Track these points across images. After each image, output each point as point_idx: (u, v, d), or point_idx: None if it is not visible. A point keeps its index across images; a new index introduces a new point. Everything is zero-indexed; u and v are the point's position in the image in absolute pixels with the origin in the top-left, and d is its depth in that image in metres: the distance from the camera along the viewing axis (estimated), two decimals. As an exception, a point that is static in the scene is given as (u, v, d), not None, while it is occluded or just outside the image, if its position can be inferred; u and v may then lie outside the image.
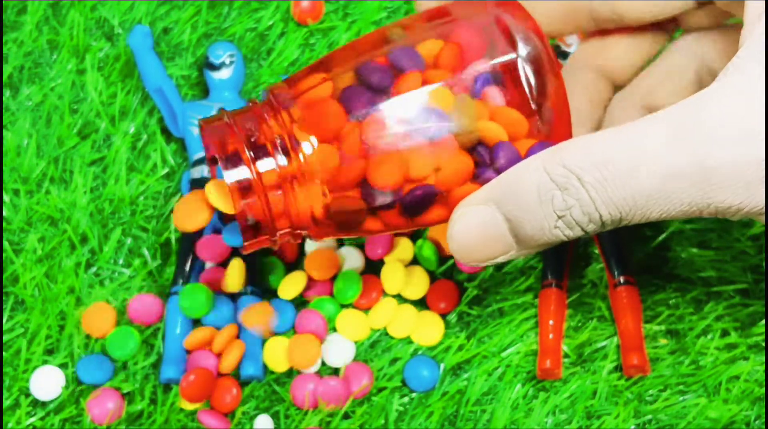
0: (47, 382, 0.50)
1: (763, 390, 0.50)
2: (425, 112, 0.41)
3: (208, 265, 0.52)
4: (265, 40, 0.57)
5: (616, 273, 0.51)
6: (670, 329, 0.52)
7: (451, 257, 0.53)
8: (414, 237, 0.53)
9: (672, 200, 0.39)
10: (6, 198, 0.54)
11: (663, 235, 0.52)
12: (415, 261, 0.53)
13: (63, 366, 0.51)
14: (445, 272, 0.53)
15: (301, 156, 0.42)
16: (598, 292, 0.52)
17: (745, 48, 0.40)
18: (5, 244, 0.53)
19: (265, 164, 0.42)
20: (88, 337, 0.52)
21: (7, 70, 0.56)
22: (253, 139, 0.42)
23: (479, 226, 0.41)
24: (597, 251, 0.53)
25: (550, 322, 0.50)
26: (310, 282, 0.52)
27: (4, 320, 0.52)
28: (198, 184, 0.53)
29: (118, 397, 0.50)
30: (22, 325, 0.52)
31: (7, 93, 0.56)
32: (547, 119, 0.42)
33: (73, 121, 0.56)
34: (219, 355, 0.51)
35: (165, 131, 0.56)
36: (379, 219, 0.43)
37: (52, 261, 0.53)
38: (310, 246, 0.53)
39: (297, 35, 0.57)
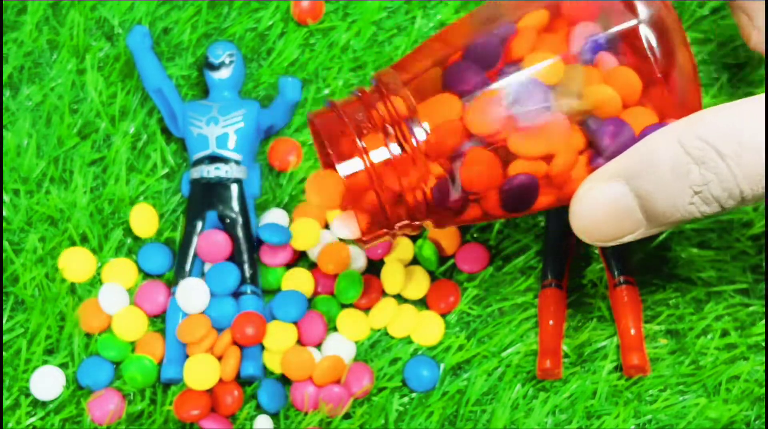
0: (47, 382, 0.50)
1: (763, 390, 0.50)
2: (533, 90, 0.40)
3: (207, 265, 0.52)
4: (265, 40, 0.57)
5: (615, 273, 0.51)
6: (670, 329, 0.52)
7: (451, 257, 0.53)
8: (414, 237, 0.53)
9: None
10: (6, 198, 0.54)
11: (663, 235, 0.52)
12: (415, 261, 0.53)
13: (63, 366, 0.51)
14: (445, 272, 0.53)
15: (414, 142, 0.41)
16: (597, 292, 0.52)
17: None
18: (5, 244, 0.53)
19: (378, 154, 0.41)
20: (88, 336, 0.52)
21: (7, 70, 0.56)
22: (364, 130, 0.41)
23: (608, 203, 0.40)
24: (597, 251, 0.53)
25: (550, 322, 0.50)
26: (321, 278, 0.52)
27: (4, 320, 0.52)
28: (197, 184, 0.53)
29: (119, 398, 0.50)
30: (22, 325, 0.52)
31: (7, 93, 0.56)
32: (675, 89, 0.40)
33: (73, 121, 0.56)
34: (219, 357, 0.51)
35: (165, 131, 0.56)
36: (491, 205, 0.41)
37: (53, 261, 0.53)
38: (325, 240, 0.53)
39: (297, 35, 0.57)
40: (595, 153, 0.41)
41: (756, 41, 0.47)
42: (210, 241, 0.52)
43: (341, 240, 0.47)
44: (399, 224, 0.43)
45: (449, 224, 0.43)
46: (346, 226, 0.43)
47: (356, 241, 0.44)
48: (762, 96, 0.38)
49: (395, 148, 0.41)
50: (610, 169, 0.40)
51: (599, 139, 0.40)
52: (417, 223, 0.43)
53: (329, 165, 0.43)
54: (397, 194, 0.41)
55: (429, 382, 0.50)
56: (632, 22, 0.40)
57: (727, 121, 0.37)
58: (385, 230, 0.43)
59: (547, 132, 0.40)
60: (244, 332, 0.50)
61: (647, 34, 0.40)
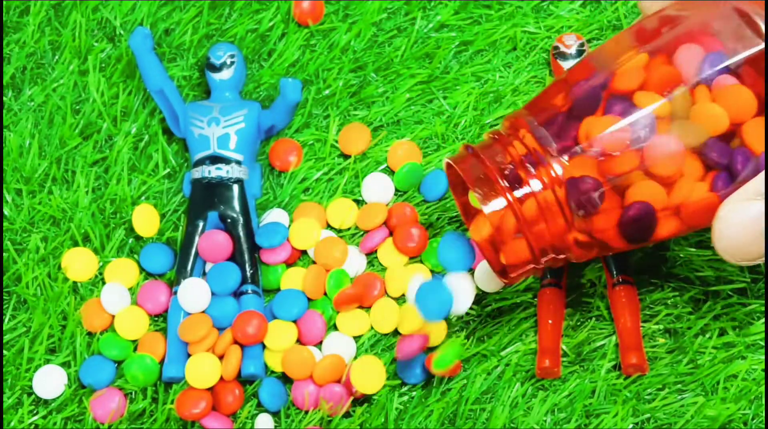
0: (50, 381, 0.51)
1: (760, 388, 0.50)
2: (649, 125, 0.41)
3: (209, 265, 0.53)
4: (265, 41, 0.57)
5: (614, 272, 0.51)
6: (668, 328, 0.52)
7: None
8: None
9: None
10: (8, 198, 0.54)
11: (661, 235, 0.52)
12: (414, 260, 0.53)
13: (65, 365, 0.51)
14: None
15: (552, 173, 0.42)
16: (596, 291, 0.52)
17: None
18: (8, 244, 0.53)
19: (520, 191, 0.42)
20: (90, 335, 0.52)
21: (9, 71, 0.57)
22: (506, 171, 0.43)
23: (751, 222, 0.40)
24: (596, 251, 0.53)
25: (549, 321, 0.50)
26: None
27: (7, 319, 0.52)
28: (198, 184, 0.53)
29: (121, 397, 0.50)
30: (24, 325, 0.52)
31: (9, 94, 0.56)
32: None
33: (75, 122, 0.56)
34: (221, 356, 0.51)
35: (167, 131, 0.56)
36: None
37: (55, 261, 0.53)
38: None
39: (297, 36, 0.57)
40: (716, 178, 0.42)
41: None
42: (211, 240, 0.52)
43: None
44: (545, 259, 0.44)
45: (589, 257, 0.45)
46: (489, 278, 0.47)
47: (502, 279, 0.46)
48: None
49: (537, 184, 0.42)
50: (751, 188, 0.40)
51: (731, 165, 0.41)
52: (562, 256, 0.45)
53: (467, 212, 0.46)
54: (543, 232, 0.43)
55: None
56: (759, 47, 0.41)
57: None
58: (532, 266, 0.45)
59: (668, 159, 0.41)
60: (245, 331, 0.50)
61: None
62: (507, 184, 0.43)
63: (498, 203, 0.43)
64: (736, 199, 0.41)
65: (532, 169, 0.43)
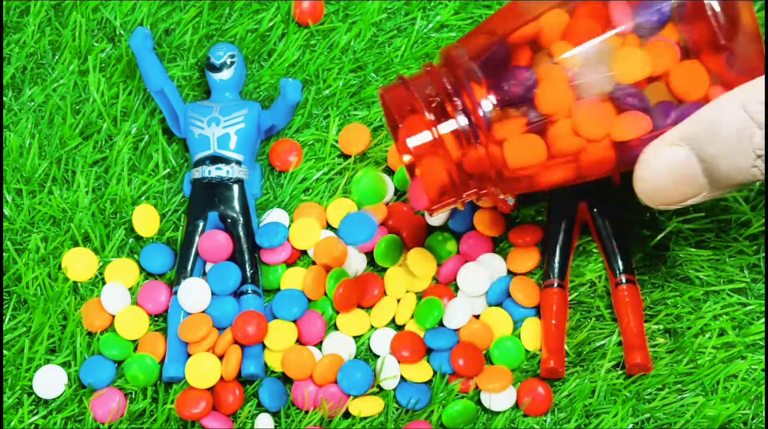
0: (50, 381, 0.51)
1: (760, 388, 0.50)
2: (591, 66, 0.41)
3: (209, 265, 0.53)
4: (265, 41, 0.57)
5: (617, 272, 0.51)
6: (668, 328, 0.52)
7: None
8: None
9: None
10: (8, 198, 0.54)
11: (661, 235, 0.52)
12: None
13: (65, 365, 0.51)
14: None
15: (481, 113, 0.42)
16: (596, 291, 0.52)
17: None
18: (8, 244, 0.53)
19: (446, 126, 0.42)
20: (90, 335, 0.52)
21: (9, 71, 0.57)
22: (433, 103, 0.42)
23: (671, 167, 0.40)
24: (596, 250, 0.53)
25: (553, 321, 0.51)
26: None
27: (7, 319, 0.52)
28: (198, 184, 0.53)
29: (121, 396, 0.50)
30: (24, 325, 0.52)
31: (9, 94, 0.57)
32: (739, 54, 0.41)
33: (76, 122, 0.56)
34: (221, 356, 0.51)
35: (167, 131, 0.56)
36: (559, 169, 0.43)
37: (55, 261, 0.53)
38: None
39: (297, 36, 0.57)
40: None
41: None
42: (211, 240, 0.52)
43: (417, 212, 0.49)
44: (467, 193, 0.44)
45: (517, 191, 0.45)
46: (419, 195, 0.45)
47: (426, 210, 0.45)
48: None
49: (462, 120, 0.42)
50: (675, 133, 0.41)
51: (652, 111, 0.42)
52: (484, 191, 0.44)
53: (398, 138, 0.45)
54: (463, 164, 0.43)
55: (363, 385, 0.50)
56: None
57: None
58: (453, 199, 0.44)
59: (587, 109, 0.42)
60: (245, 331, 0.50)
61: (711, 2, 0.41)
62: (432, 117, 0.43)
63: (423, 136, 0.43)
64: (660, 143, 0.41)
65: (459, 103, 0.42)
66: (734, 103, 0.39)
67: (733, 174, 0.40)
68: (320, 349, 0.52)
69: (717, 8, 0.41)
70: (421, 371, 0.51)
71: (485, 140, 0.43)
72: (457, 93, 0.43)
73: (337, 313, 0.52)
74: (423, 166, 0.43)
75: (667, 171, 0.41)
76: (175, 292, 0.52)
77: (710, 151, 0.40)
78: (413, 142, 0.43)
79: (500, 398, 0.50)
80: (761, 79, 0.39)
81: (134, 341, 0.52)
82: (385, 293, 0.52)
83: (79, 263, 0.53)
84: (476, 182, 0.44)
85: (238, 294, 0.52)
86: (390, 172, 0.55)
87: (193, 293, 0.51)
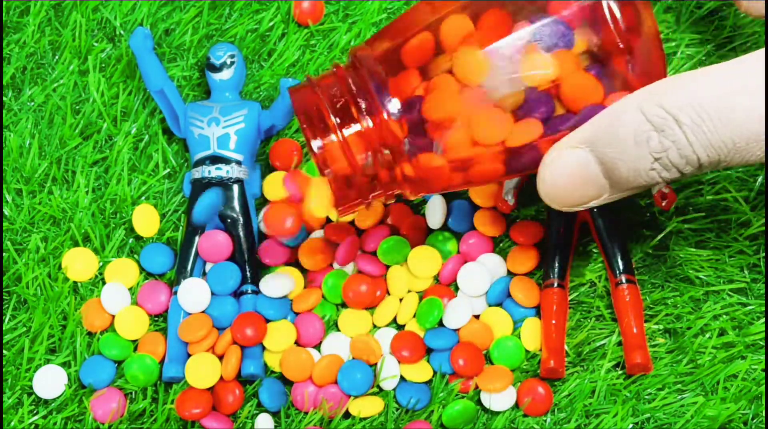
0: (50, 381, 0.51)
1: (760, 388, 0.50)
2: (494, 70, 0.41)
3: (209, 265, 0.53)
4: (266, 42, 0.57)
5: (617, 272, 0.51)
6: (668, 328, 0.52)
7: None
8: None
9: None
10: (8, 198, 0.54)
11: (661, 235, 0.52)
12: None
13: (65, 365, 0.51)
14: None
15: (385, 115, 0.42)
16: (596, 291, 0.52)
17: None
18: (8, 244, 0.53)
19: (351, 129, 0.42)
20: (90, 335, 0.52)
21: (9, 71, 0.57)
22: (338, 104, 0.43)
23: (572, 169, 0.41)
24: (596, 250, 0.53)
25: (553, 321, 0.51)
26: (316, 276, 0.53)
27: (7, 319, 0.52)
28: (198, 184, 0.53)
29: (121, 396, 0.50)
30: (24, 325, 0.52)
31: (9, 94, 0.57)
32: (639, 58, 0.41)
33: (75, 122, 0.56)
34: (221, 356, 0.51)
35: (167, 132, 0.56)
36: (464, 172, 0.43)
37: (55, 261, 0.53)
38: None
39: (297, 36, 0.57)
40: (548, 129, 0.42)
41: (746, 5, 0.49)
42: (211, 240, 0.52)
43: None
44: (373, 194, 0.44)
45: (424, 192, 0.45)
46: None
47: (334, 210, 0.46)
48: (725, 64, 0.39)
49: (367, 121, 0.43)
50: (575, 136, 0.41)
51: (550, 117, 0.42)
52: (391, 192, 0.44)
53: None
54: (369, 165, 0.43)
55: (363, 385, 0.50)
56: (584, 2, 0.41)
57: (687, 91, 0.39)
58: (359, 200, 0.44)
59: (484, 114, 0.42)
60: (245, 333, 0.50)
61: (610, 6, 0.41)
62: (337, 120, 0.43)
63: (326, 138, 0.43)
64: (561, 146, 0.41)
65: (363, 105, 0.43)
66: (632, 106, 0.39)
67: (632, 176, 0.40)
68: (319, 351, 0.52)
69: (616, 12, 0.41)
70: (421, 371, 0.51)
71: (390, 142, 0.43)
72: (362, 94, 0.43)
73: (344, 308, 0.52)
74: (329, 168, 0.43)
75: (567, 173, 0.41)
76: (175, 292, 0.52)
77: (609, 153, 0.40)
78: (317, 144, 0.43)
79: (500, 398, 0.50)
80: (661, 83, 0.40)
81: (134, 341, 0.52)
82: (388, 293, 0.53)
83: (79, 263, 0.53)
84: (382, 183, 0.44)
85: (238, 294, 0.52)
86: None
87: (193, 293, 0.51)
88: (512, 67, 0.41)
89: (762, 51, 0.39)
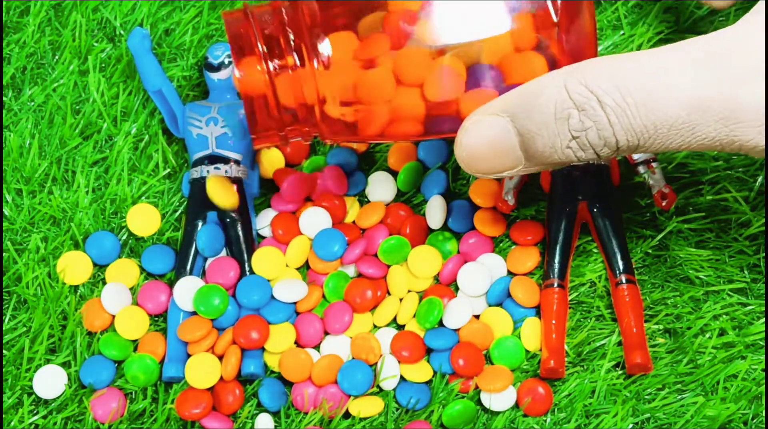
0: (50, 381, 0.51)
1: (760, 388, 0.50)
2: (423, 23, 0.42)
3: (209, 261, 0.53)
4: (265, 41, 0.57)
5: (617, 272, 0.51)
6: (668, 328, 0.52)
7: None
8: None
9: (695, 133, 0.38)
10: (8, 198, 0.54)
11: (661, 235, 0.52)
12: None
13: (65, 365, 0.51)
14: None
15: (315, 61, 0.42)
16: (596, 291, 0.52)
17: None
18: (8, 244, 0.53)
19: (276, 61, 0.43)
20: (90, 335, 0.52)
21: (9, 71, 0.57)
22: (268, 33, 0.43)
23: (490, 137, 0.41)
24: (596, 250, 0.53)
25: (553, 321, 0.51)
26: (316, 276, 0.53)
27: (7, 319, 0.52)
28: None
29: (121, 396, 0.50)
30: (24, 324, 0.52)
31: (9, 94, 0.57)
32: (571, 35, 0.41)
33: (76, 122, 0.56)
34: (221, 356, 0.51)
35: (166, 132, 0.56)
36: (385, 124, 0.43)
37: (55, 261, 0.53)
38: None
39: (298, 36, 0.57)
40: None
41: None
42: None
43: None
44: (288, 128, 0.44)
45: (340, 138, 0.45)
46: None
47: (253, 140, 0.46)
48: (654, 50, 0.39)
49: (294, 58, 0.43)
50: (498, 104, 0.41)
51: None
52: (307, 130, 0.45)
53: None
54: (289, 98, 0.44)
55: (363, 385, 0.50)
56: None
57: (614, 73, 0.38)
58: (275, 132, 0.45)
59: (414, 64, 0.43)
60: (249, 336, 0.50)
61: None
62: (264, 50, 0.43)
63: (252, 66, 0.43)
64: (482, 111, 0.41)
65: (293, 38, 0.43)
66: (556, 81, 0.39)
67: (548, 152, 0.40)
68: (318, 351, 0.52)
69: None
70: (421, 371, 0.51)
71: (312, 75, 0.43)
72: (295, 30, 0.43)
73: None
74: (250, 95, 0.43)
75: (485, 140, 0.41)
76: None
77: (528, 125, 0.40)
78: (242, 71, 0.43)
79: (500, 398, 0.50)
80: (588, 62, 0.40)
81: (134, 341, 0.52)
82: (388, 292, 0.53)
83: (74, 266, 0.53)
84: (300, 119, 0.44)
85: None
86: (392, 172, 0.55)
87: (190, 291, 0.51)
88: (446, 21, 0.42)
89: (697, 38, 0.39)
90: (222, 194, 0.51)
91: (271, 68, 0.43)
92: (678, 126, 0.39)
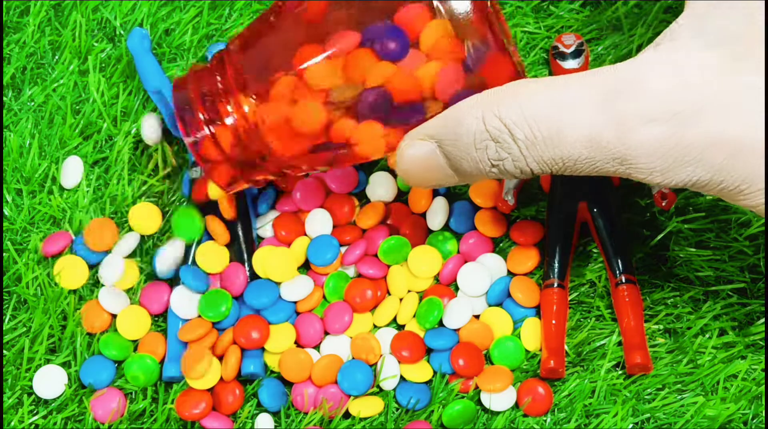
0: (50, 381, 0.51)
1: (760, 388, 0.50)
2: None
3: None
4: (265, 41, 0.57)
5: (617, 272, 0.51)
6: (668, 328, 0.52)
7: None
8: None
9: (597, 167, 0.41)
10: (8, 198, 0.54)
11: (661, 235, 0.52)
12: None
13: (65, 365, 0.51)
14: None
15: (246, 109, 0.45)
16: (596, 291, 0.52)
17: (685, 15, 0.41)
18: (8, 244, 0.53)
19: (218, 123, 0.46)
20: (90, 335, 0.52)
21: (9, 71, 0.57)
22: (207, 100, 0.46)
23: (421, 158, 0.44)
24: (596, 250, 0.53)
25: (553, 321, 0.51)
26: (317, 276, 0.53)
27: (7, 319, 0.52)
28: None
29: (121, 397, 0.50)
30: (24, 324, 0.52)
31: (9, 94, 0.57)
32: (477, 49, 0.43)
33: (75, 122, 0.56)
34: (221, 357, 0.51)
35: (167, 132, 0.56)
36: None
37: (55, 261, 0.53)
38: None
39: (298, 36, 0.57)
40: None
41: None
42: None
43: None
44: (254, 177, 0.47)
45: (294, 173, 0.48)
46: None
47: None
48: (564, 79, 0.41)
49: (230, 119, 0.46)
50: (425, 130, 0.44)
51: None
52: (259, 178, 0.47)
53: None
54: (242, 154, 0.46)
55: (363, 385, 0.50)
56: None
57: (524, 105, 0.41)
58: (242, 183, 0.48)
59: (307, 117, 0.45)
60: (249, 336, 0.50)
61: (440, 5, 0.43)
62: (203, 116, 0.46)
63: (198, 133, 0.46)
64: (411, 135, 0.44)
65: (227, 101, 0.46)
66: (475, 112, 0.42)
67: (475, 172, 0.43)
68: (318, 351, 0.52)
69: (455, 11, 0.43)
70: (421, 371, 0.51)
71: (250, 134, 0.46)
72: (227, 91, 0.46)
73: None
74: (205, 160, 0.47)
75: (416, 160, 0.44)
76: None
77: (453, 151, 0.43)
78: (189, 139, 0.46)
79: (500, 398, 0.50)
80: (504, 89, 0.42)
81: (134, 341, 0.52)
82: (388, 293, 0.53)
83: (70, 270, 0.53)
84: (256, 167, 0.47)
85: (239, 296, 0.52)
86: (392, 172, 0.55)
87: (185, 300, 0.51)
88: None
89: (604, 71, 0.41)
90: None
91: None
92: (582, 160, 0.41)
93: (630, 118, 0.39)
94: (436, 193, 0.54)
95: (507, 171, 0.42)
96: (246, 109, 0.45)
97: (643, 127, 0.39)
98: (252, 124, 0.45)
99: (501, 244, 0.53)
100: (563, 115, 0.40)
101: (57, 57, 0.57)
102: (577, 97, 0.40)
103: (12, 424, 0.50)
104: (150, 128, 0.54)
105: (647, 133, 0.39)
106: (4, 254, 0.53)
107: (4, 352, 0.51)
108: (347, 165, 0.47)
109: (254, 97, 0.45)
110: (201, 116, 0.46)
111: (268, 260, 0.52)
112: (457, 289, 0.52)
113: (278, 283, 0.52)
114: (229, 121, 0.46)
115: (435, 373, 0.51)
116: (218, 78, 0.46)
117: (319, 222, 0.53)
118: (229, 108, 0.45)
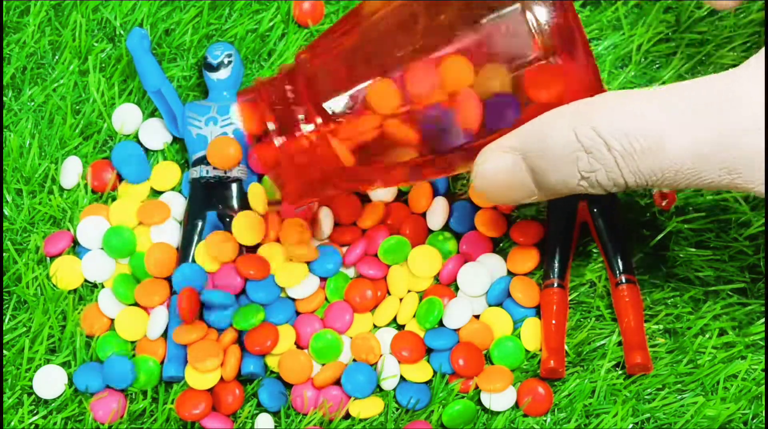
0: (50, 381, 0.51)
1: (760, 388, 0.50)
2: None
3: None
4: (265, 42, 0.57)
5: (617, 272, 0.51)
6: (668, 328, 0.52)
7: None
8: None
9: (701, 177, 0.40)
10: (8, 198, 0.54)
11: (661, 235, 0.52)
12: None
13: (65, 365, 0.51)
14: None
15: (319, 121, 0.44)
16: (596, 291, 0.52)
17: None
18: (8, 244, 0.53)
19: (290, 135, 0.44)
20: (89, 337, 0.52)
21: (9, 71, 0.57)
22: (277, 111, 0.44)
23: (504, 172, 0.43)
24: (596, 250, 0.53)
25: (553, 321, 0.51)
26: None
27: (7, 319, 0.52)
28: (197, 183, 0.53)
29: (121, 397, 0.50)
30: (24, 325, 0.52)
31: (9, 94, 0.57)
32: (570, 68, 0.42)
33: (76, 122, 0.56)
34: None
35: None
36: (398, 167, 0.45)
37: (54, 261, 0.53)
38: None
39: (297, 36, 0.57)
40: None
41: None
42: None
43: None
44: (326, 192, 0.46)
45: (364, 189, 0.47)
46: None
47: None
48: (660, 90, 0.40)
49: (306, 127, 0.44)
50: (509, 141, 0.42)
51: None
52: (337, 190, 0.46)
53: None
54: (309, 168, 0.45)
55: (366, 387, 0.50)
56: (514, 6, 0.42)
57: (620, 117, 0.40)
58: (314, 198, 0.46)
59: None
60: (264, 344, 0.50)
61: (532, 16, 0.42)
62: (273, 127, 0.44)
63: (269, 147, 0.45)
64: (493, 148, 0.43)
65: (301, 111, 0.44)
66: (565, 123, 0.41)
67: (560, 186, 0.42)
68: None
69: (544, 21, 0.42)
70: (421, 371, 0.51)
71: (326, 145, 0.44)
72: (298, 101, 0.44)
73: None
74: (279, 175, 0.45)
75: (496, 175, 0.43)
76: (174, 292, 0.52)
77: (540, 163, 0.42)
78: (261, 152, 0.45)
79: (500, 398, 0.50)
80: (594, 101, 0.41)
81: (133, 342, 0.52)
82: (388, 293, 0.53)
83: (66, 270, 0.53)
84: (330, 183, 0.45)
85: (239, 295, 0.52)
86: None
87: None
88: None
89: (698, 83, 0.40)
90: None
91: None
92: (684, 171, 0.40)
93: (733, 129, 0.39)
94: (436, 193, 0.54)
95: (598, 183, 0.41)
96: (324, 115, 0.44)
97: (746, 136, 0.39)
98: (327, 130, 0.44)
99: (501, 244, 0.53)
100: (663, 126, 0.39)
101: (57, 57, 0.57)
102: (677, 109, 0.39)
103: (12, 424, 0.50)
104: (149, 131, 0.54)
105: (751, 143, 0.39)
106: (4, 254, 0.53)
107: (4, 352, 0.51)
108: (427, 179, 0.46)
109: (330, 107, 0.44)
110: (270, 126, 0.44)
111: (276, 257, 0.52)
112: (457, 289, 0.52)
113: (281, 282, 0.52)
114: (305, 129, 0.44)
115: (435, 373, 0.51)
116: (287, 87, 0.45)
117: (322, 222, 0.53)
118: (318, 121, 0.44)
